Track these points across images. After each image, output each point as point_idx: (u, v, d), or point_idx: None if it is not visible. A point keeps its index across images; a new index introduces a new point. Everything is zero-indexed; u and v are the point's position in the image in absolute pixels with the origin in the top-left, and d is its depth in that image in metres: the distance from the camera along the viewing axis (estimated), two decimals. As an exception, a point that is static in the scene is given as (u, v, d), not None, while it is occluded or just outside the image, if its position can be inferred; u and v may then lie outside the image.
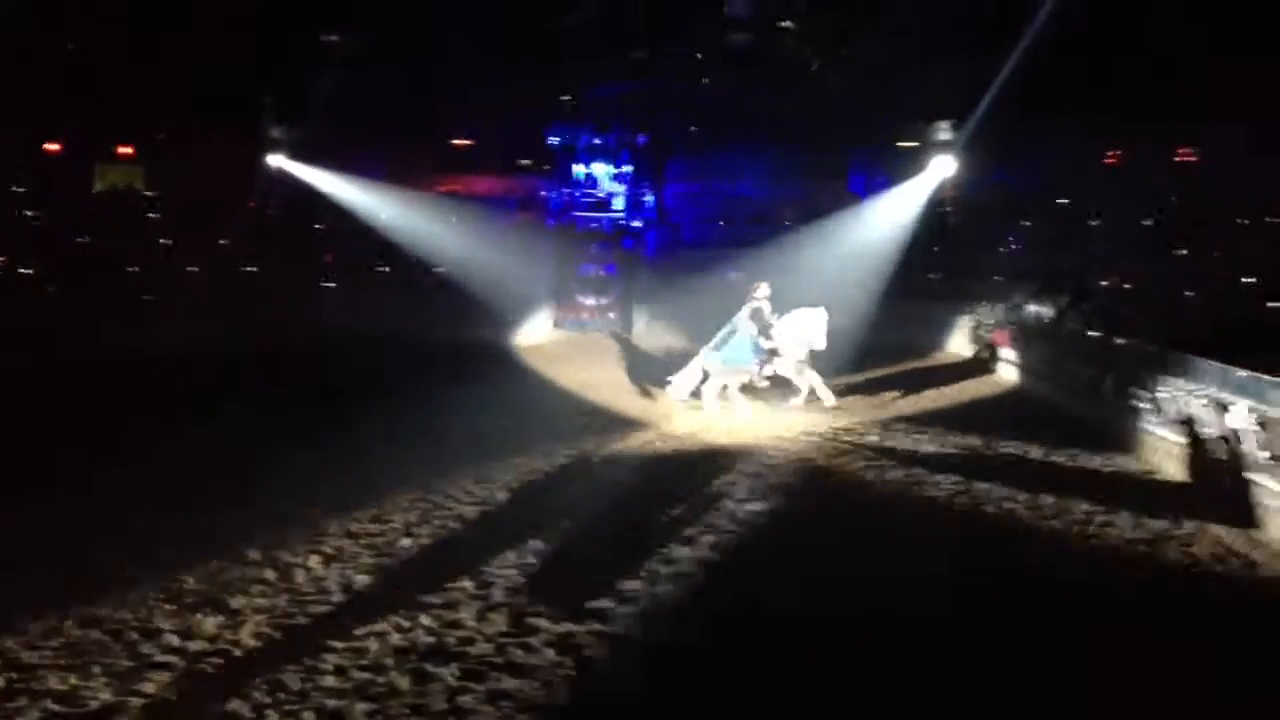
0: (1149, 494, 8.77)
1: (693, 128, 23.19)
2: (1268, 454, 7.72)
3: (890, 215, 21.41)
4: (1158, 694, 5.09)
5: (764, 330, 12.98)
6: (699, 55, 22.01)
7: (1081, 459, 10.16)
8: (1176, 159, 22.16)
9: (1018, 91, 19.03)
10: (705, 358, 13.04)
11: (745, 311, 13.06)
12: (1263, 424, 7.86)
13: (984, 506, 8.41)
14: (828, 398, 13.21)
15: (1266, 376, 7.99)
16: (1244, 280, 19.22)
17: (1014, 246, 22.12)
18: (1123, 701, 5.03)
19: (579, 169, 24.13)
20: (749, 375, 12.93)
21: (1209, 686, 5.18)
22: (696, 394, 13.02)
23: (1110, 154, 22.18)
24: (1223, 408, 8.46)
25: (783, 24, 21.42)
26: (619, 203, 24.12)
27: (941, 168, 21.80)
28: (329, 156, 22.72)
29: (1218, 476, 8.39)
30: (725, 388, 12.93)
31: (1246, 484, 7.92)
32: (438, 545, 7.33)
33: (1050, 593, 6.44)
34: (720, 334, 13.05)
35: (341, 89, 21.52)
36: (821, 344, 13.07)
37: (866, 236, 20.88)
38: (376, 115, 22.16)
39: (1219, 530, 7.65)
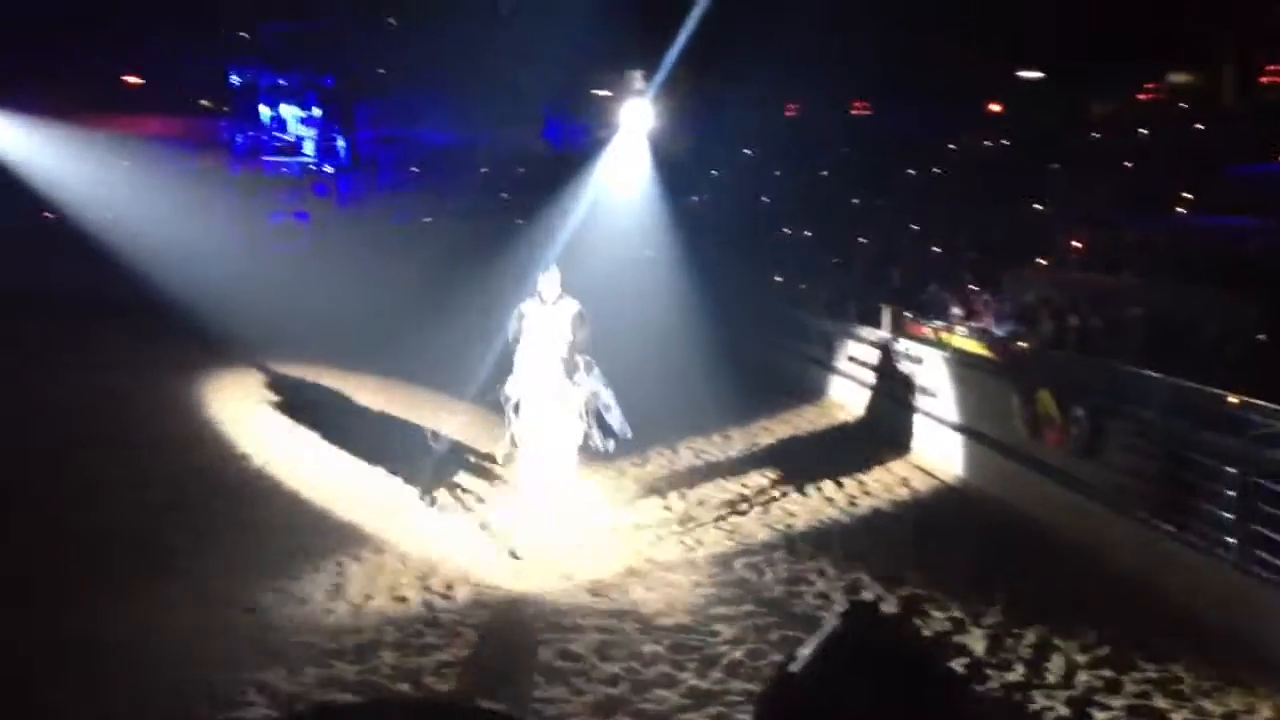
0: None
1: (380, 70, 22.26)
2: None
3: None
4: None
5: (514, 342, 8.14)
6: (381, -8, 21.10)
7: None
8: (853, 112, 23.28)
9: (703, 41, 19.33)
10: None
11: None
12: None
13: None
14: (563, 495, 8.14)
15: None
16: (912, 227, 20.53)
17: (703, 198, 22.66)
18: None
19: (265, 111, 22.77)
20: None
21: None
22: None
23: (790, 106, 23.02)
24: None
25: (470, -36, 20.81)
26: (309, 147, 23.00)
27: (636, 117, 21.85)
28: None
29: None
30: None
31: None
32: None
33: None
34: None
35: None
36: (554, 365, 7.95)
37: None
38: (26, 45, 19.98)
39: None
